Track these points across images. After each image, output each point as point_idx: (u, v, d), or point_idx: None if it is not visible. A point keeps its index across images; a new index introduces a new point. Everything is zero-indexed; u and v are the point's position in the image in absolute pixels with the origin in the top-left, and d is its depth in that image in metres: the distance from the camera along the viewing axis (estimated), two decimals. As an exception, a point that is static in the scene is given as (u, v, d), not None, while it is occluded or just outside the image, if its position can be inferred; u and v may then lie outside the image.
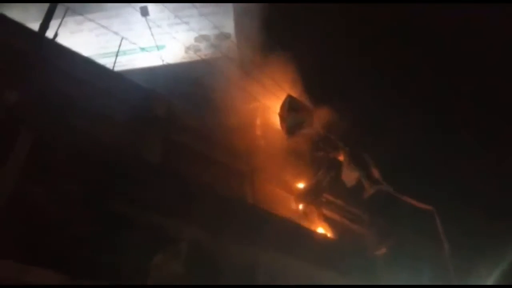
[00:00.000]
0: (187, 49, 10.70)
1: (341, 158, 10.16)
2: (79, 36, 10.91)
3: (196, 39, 10.81)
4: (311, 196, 10.07)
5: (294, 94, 10.50)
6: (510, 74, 13.71)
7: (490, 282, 10.46)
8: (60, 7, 7.64)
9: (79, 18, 9.97)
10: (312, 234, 9.47)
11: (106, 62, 9.47)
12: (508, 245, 11.16)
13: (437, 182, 13.00)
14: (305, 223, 9.70)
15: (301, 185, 10.27)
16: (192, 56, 10.73)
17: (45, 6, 6.92)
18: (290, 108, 10.22)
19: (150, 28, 9.69)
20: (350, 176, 9.96)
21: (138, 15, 10.47)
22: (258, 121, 10.49)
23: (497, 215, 13.02)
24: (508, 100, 13.93)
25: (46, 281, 4.83)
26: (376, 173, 10.17)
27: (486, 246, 11.73)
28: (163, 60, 9.60)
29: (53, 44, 7.32)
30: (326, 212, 10.43)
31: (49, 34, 7.43)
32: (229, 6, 11.17)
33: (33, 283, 4.81)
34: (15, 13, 8.14)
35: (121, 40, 9.58)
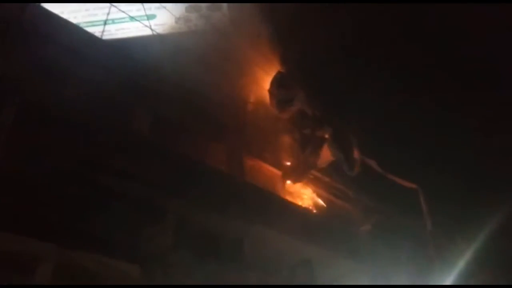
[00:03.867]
0: (178, 19, 10.39)
1: (326, 136, 10.23)
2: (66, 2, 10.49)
3: (187, 9, 10.50)
4: (299, 172, 10.15)
5: (285, 70, 10.43)
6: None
7: (469, 254, 10.76)
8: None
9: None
10: (299, 210, 9.61)
11: (94, 30, 9.16)
12: (486, 218, 11.44)
13: (423, 157, 13.09)
14: (292, 199, 9.82)
15: (288, 162, 10.33)
16: (182, 27, 10.44)
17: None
18: (279, 84, 10.18)
19: (140, -5, 9.36)
20: (326, 156, 10.07)
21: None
22: (248, 97, 10.41)
23: (478, 188, 13.27)
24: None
25: (36, 252, 4.81)
26: (357, 154, 10.28)
27: (466, 219, 12.03)
28: (153, 30, 9.33)
29: (38, 9, 7.04)
30: (312, 188, 10.57)
31: (34, -2, 7.17)
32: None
33: (22, 253, 4.79)
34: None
35: (110, 8, 9.27)
